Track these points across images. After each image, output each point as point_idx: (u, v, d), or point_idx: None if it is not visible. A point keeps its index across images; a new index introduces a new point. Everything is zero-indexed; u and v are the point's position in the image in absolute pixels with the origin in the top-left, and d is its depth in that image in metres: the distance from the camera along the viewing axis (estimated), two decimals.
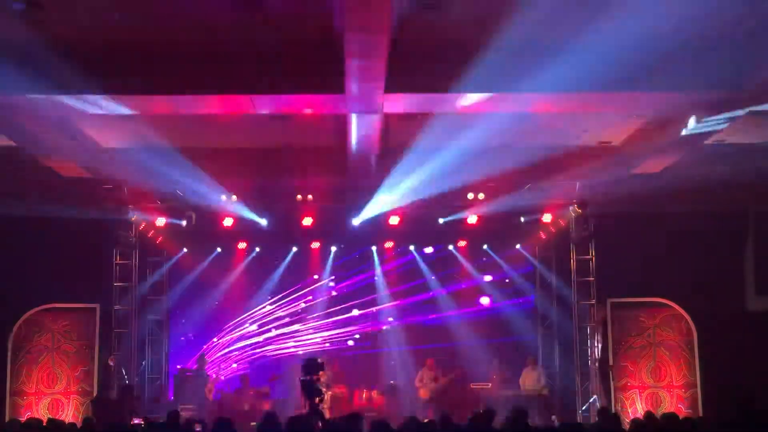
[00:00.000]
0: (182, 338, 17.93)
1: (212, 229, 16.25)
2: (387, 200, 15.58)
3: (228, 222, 15.92)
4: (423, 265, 18.05)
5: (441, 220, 16.25)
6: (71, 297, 15.90)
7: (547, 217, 16.09)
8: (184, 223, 15.90)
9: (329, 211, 16.02)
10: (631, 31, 10.02)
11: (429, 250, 17.79)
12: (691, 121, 12.00)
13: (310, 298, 18.36)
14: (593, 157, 14.49)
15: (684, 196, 14.98)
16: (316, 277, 18.17)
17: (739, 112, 11.76)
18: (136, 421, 13.05)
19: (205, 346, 17.87)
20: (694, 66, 10.45)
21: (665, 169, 14.37)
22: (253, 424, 13.31)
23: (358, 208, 15.99)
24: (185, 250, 17.37)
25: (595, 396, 15.91)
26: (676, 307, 16.27)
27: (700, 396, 15.40)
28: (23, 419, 11.86)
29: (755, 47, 10.19)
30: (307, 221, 15.97)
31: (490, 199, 15.51)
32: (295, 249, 17.84)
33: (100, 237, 15.56)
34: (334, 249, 17.92)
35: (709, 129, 12.24)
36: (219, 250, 17.58)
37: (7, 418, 15.01)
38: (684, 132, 12.22)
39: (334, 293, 18.33)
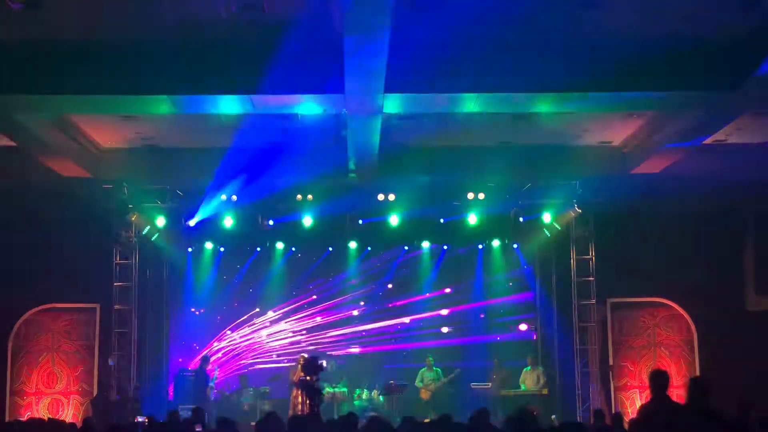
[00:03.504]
0: (178, 342, 17.88)
1: (213, 228, 16.24)
2: (387, 200, 15.60)
3: (228, 222, 15.91)
4: (422, 265, 18.05)
5: (441, 220, 16.23)
6: (71, 297, 15.92)
7: (547, 217, 16.08)
8: (187, 222, 15.89)
9: (330, 211, 15.99)
10: (631, 31, 10.04)
11: (426, 246, 17.74)
12: None
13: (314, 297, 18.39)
14: (593, 157, 14.50)
15: (684, 196, 14.99)
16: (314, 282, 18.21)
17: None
18: (140, 419, 13.06)
19: (206, 347, 17.86)
20: (694, 66, 10.46)
21: (665, 169, 14.37)
22: (253, 424, 13.30)
23: (358, 208, 15.98)
24: (190, 249, 17.36)
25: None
26: (676, 307, 16.28)
27: None
28: (24, 419, 11.89)
29: (755, 47, 10.19)
30: (307, 221, 15.96)
31: (490, 198, 15.52)
32: (293, 249, 17.82)
33: (100, 237, 15.56)
34: (330, 249, 17.90)
35: None
36: (222, 249, 17.57)
37: (7, 418, 15.03)
38: None
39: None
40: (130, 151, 14.32)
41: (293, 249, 17.77)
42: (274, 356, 18.26)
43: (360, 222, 16.24)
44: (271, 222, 16.07)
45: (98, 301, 15.91)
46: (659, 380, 6.35)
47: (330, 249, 17.92)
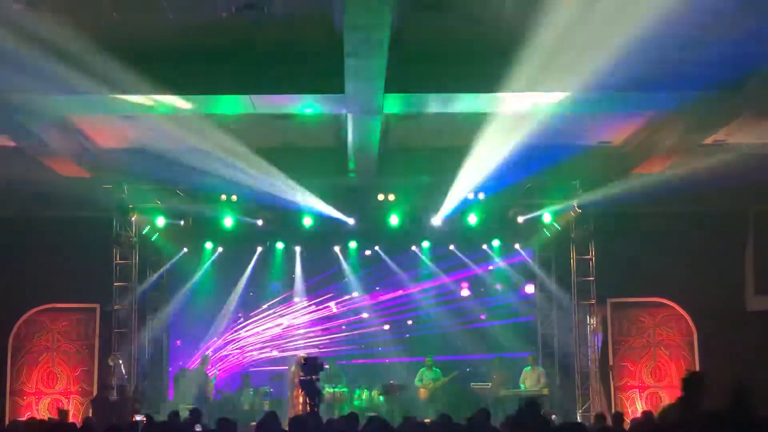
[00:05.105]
0: (178, 342, 17.84)
1: (212, 229, 16.24)
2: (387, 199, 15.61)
3: (228, 222, 15.91)
4: (423, 264, 18.02)
5: (441, 220, 16.22)
6: (71, 297, 15.92)
7: (547, 217, 16.09)
8: (182, 222, 15.90)
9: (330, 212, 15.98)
10: (631, 31, 10.03)
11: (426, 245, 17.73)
12: None
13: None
14: (593, 157, 14.50)
15: (684, 196, 14.99)
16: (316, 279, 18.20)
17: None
18: (138, 417, 13.06)
19: (206, 346, 17.85)
20: (695, 66, 10.45)
21: (665, 169, 14.38)
22: (253, 424, 13.31)
23: (359, 208, 15.99)
24: (185, 249, 17.35)
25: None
26: (676, 307, 16.29)
27: None
28: (24, 419, 11.88)
29: (755, 46, 10.19)
30: (308, 221, 15.95)
31: (489, 199, 15.52)
32: (296, 249, 17.81)
33: (100, 237, 15.56)
34: (336, 249, 17.87)
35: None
36: (220, 249, 17.55)
37: (7, 418, 15.03)
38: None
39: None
40: (130, 151, 14.32)
41: (294, 249, 17.79)
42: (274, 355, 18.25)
43: (360, 222, 16.23)
44: (271, 222, 16.06)
45: (98, 301, 15.91)
46: (695, 383, 6.21)
47: (330, 249, 17.89)
